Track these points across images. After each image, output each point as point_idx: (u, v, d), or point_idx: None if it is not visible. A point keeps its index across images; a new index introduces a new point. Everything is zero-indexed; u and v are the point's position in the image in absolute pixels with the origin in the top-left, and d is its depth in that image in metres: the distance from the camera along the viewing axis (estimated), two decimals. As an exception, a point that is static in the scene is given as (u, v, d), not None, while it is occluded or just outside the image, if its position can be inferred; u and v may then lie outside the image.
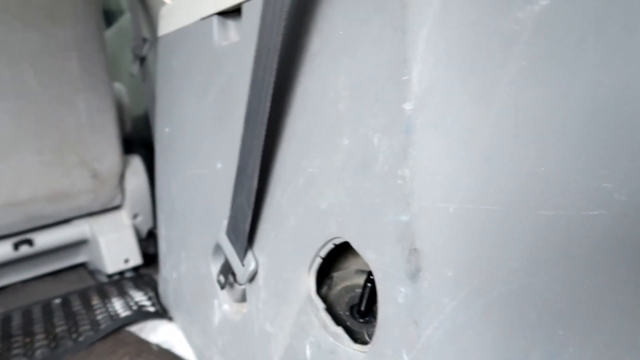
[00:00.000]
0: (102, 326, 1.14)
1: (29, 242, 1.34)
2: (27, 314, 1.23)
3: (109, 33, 1.85)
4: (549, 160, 0.32)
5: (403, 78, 0.38)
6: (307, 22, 0.48)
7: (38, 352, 1.05)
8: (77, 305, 1.28)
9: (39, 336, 1.12)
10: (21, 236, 1.33)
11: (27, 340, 1.10)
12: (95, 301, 1.29)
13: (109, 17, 1.99)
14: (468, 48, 0.35)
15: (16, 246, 1.32)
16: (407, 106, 0.38)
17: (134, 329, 1.13)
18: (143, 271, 1.50)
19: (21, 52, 1.14)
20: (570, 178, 0.32)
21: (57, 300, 1.30)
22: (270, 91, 0.49)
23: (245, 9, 0.59)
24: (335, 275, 0.60)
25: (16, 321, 1.20)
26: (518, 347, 0.37)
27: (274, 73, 0.47)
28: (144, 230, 1.54)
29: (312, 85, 0.49)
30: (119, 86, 1.58)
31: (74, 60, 1.20)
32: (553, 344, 0.35)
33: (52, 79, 1.19)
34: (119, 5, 1.98)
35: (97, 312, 1.22)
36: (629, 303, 0.30)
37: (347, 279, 0.60)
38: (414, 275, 0.42)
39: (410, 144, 0.39)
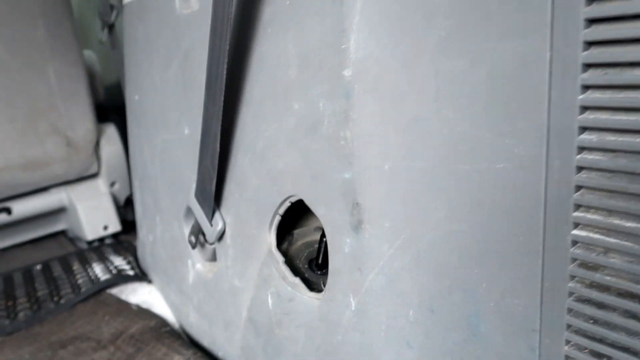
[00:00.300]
0: (83, 289, 1.18)
1: (7, 211, 1.36)
2: (8, 279, 1.26)
3: (78, -1, 1.82)
4: (463, 120, 0.37)
5: (342, 46, 0.42)
6: (258, -6, 0.50)
7: (20, 315, 1.09)
8: (57, 270, 1.31)
9: (21, 299, 1.16)
10: (-2, 204, 1.35)
11: (10, 303, 1.14)
12: (76, 266, 1.33)
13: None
14: (396, 19, 0.39)
15: (-7, 214, 1.34)
16: (347, 73, 0.42)
17: (114, 291, 1.18)
18: (122, 237, 1.53)
19: (-14, 21, 1.14)
20: (480, 136, 0.36)
21: (38, 266, 1.34)
22: (225, 59, 0.52)
23: (203, -21, 0.62)
24: (296, 232, 0.65)
25: (-3, 286, 1.23)
26: (443, 286, 0.42)
27: (227, 41, 0.50)
28: (122, 198, 1.56)
29: (266, 53, 0.52)
30: (89, 54, 1.57)
31: (41, 27, 1.19)
32: (470, 281, 0.40)
33: (19, 47, 1.19)
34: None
35: (78, 276, 1.26)
36: (527, 242, 0.35)
37: (307, 235, 0.64)
38: (357, 227, 0.46)
39: (350, 107, 0.43)
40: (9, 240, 1.46)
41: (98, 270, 1.28)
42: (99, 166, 1.50)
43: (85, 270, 1.29)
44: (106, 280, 1.20)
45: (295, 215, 0.67)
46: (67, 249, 1.49)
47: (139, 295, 1.15)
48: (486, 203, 0.37)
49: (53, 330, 1.05)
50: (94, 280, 1.22)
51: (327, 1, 0.42)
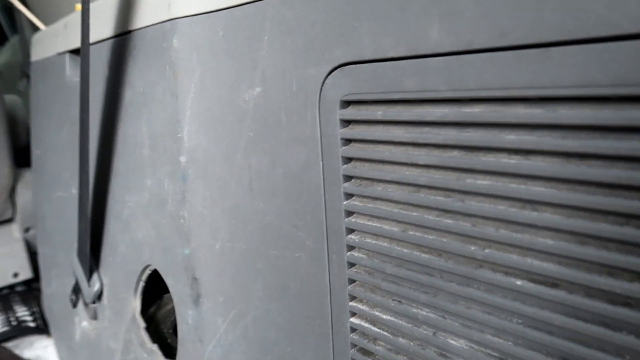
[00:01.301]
0: (-23, 342, 1.14)
1: None
2: None
3: (10, 44, 1.82)
4: (270, 211, 0.41)
5: (178, 135, 0.45)
6: (121, 76, 0.54)
7: None
8: (-43, 321, 1.26)
9: None
10: None
11: None
12: (-23, 317, 1.27)
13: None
14: (218, 117, 0.43)
15: None
16: (182, 159, 0.46)
17: (11, 344, 1.14)
18: (35, 284, 1.49)
19: None
20: (282, 226, 0.40)
21: (-64, 317, 1.28)
22: (88, 132, 0.54)
23: (87, 52, 0.65)
24: (166, 296, 0.66)
25: None
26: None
27: (88, 118, 0.53)
28: (37, 244, 1.52)
29: (127, 130, 0.55)
30: (13, 98, 1.56)
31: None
32: (286, 357, 0.43)
33: None
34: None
35: (-25, 328, 1.21)
36: (320, 325, 0.39)
37: (177, 299, 0.66)
38: (196, 300, 0.49)
39: (186, 190, 0.46)
40: None
41: (-2, 321, 1.24)
42: (14, 211, 1.47)
43: (-15, 321, 1.24)
44: (3, 333, 1.16)
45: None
46: (-27, 297, 1.43)
47: (35, 349, 1.11)
48: (291, 286, 0.40)
49: (-63, 386, 1.01)
50: (-9, 333, 1.17)
51: (167, 93, 0.46)
